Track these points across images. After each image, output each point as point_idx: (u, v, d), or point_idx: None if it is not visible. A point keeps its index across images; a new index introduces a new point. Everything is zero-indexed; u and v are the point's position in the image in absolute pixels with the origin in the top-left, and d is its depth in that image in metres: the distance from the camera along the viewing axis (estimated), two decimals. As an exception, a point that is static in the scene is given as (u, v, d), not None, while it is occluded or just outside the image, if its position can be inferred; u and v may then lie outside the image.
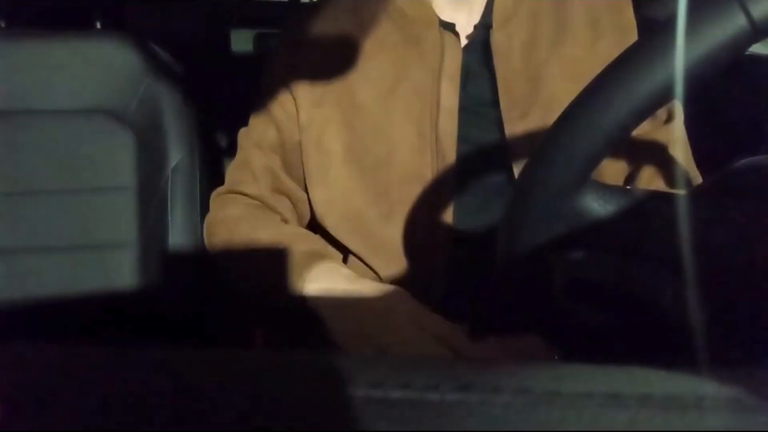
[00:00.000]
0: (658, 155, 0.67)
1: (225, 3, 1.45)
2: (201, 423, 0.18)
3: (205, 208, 0.79)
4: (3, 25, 1.01)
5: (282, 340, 0.83)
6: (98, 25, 1.12)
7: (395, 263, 0.67)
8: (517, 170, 0.64)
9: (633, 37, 0.68)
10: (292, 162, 0.72)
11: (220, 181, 0.77)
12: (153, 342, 0.82)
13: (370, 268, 0.68)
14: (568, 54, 0.67)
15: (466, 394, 0.19)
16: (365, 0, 0.71)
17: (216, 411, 0.18)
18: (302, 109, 0.70)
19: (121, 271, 0.83)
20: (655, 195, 0.38)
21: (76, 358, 0.21)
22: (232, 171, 0.75)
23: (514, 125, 0.65)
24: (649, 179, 0.67)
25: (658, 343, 0.40)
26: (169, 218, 0.83)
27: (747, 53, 0.36)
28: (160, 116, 0.84)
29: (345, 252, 0.72)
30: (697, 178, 0.67)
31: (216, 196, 0.76)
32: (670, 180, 0.66)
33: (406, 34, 0.68)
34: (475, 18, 0.68)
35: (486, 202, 0.66)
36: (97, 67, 0.84)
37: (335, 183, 0.68)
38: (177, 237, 0.83)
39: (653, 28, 0.33)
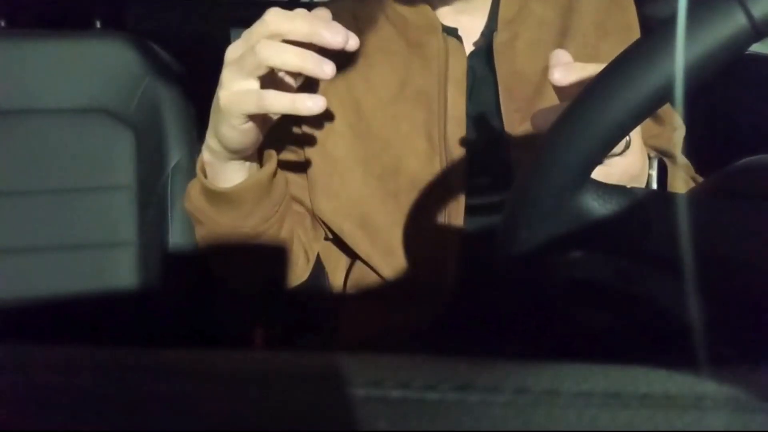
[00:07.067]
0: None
1: (225, 3, 1.45)
2: (200, 423, 0.18)
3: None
4: (3, 24, 1.01)
5: (282, 340, 0.83)
6: (98, 25, 1.12)
7: (405, 268, 0.66)
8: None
9: (636, 35, 0.68)
10: (294, 167, 0.72)
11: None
12: (152, 342, 0.82)
13: (378, 273, 0.68)
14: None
15: (466, 393, 0.19)
16: (364, 5, 0.70)
17: (215, 411, 0.18)
18: None
19: (121, 271, 0.83)
20: (655, 195, 0.38)
21: (75, 358, 0.21)
22: None
23: (515, 130, 0.65)
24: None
25: (658, 343, 0.40)
26: (169, 218, 0.83)
27: (747, 53, 0.35)
28: (160, 116, 0.84)
29: (352, 256, 0.71)
30: (697, 179, 0.67)
31: None
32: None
33: (409, 40, 0.67)
34: (480, 23, 0.68)
35: (496, 207, 0.66)
36: (97, 67, 0.84)
37: (342, 189, 0.68)
38: (177, 237, 0.83)
39: (653, 28, 0.33)
